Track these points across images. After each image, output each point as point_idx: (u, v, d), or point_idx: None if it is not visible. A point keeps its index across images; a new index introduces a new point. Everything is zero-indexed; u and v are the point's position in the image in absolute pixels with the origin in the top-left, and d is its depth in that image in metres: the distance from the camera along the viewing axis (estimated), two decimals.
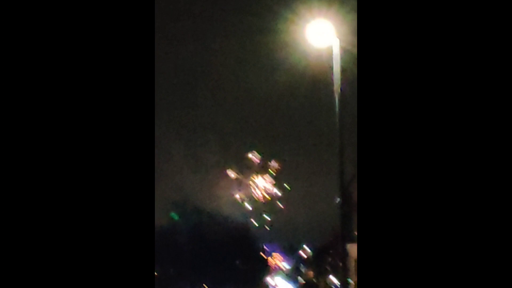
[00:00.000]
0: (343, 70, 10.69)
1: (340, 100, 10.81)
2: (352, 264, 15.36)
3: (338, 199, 11.07)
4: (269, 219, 36.58)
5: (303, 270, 43.97)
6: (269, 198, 38.46)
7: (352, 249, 11.58)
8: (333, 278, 34.88)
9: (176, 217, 32.70)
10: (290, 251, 44.71)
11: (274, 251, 42.47)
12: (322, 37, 10.58)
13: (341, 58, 10.65)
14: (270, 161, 38.82)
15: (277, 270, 43.78)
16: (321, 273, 38.88)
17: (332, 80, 10.84)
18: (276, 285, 42.45)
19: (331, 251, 35.50)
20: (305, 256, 44.25)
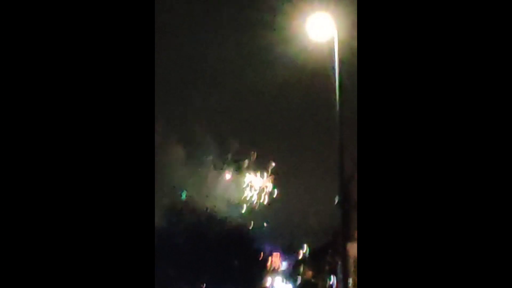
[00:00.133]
0: (344, 64, 10.56)
1: (340, 96, 10.71)
2: (352, 264, 15.35)
3: (337, 199, 11.02)
4: (266, 224, 36.53)
5: (302, 270, 44.00)
6: (267, 198, 38.42)
7: (352, 249, 11.50)
8: (332, 278, 34.85)
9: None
10: (289, 251, 44.74)
11: (273, 251, 42.50)
12: (322, 30, 10.48)
13: (341, 52, 10.53)
14: (268, 160, 38.78)
15: (276, 270, 43.83)
16: (320, 273, 38.88)
17: (333, 75, 10.74)
18: (275, 285, 42.51)
19: (330, 251, 35.48)
20: (304, 256, 44.27)
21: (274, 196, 37.95)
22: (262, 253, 36.74)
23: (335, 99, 10.64)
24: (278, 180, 38.43)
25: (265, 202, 37.85)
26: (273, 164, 38.65)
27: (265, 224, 37.48)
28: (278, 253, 44.07)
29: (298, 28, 10.99)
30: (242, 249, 32.89)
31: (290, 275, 44.62)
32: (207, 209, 33.07)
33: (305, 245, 43.79)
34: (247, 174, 37.66)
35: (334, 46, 10.52)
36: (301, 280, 43.17)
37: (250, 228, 35.58)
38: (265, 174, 38.23)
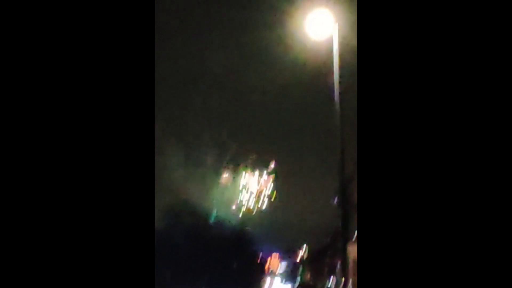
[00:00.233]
0: (344, 63, 10.53)
1: (341, 96, 10.69)
2: (351, 265, 15.33)
3: (337, 199, 11.02)
4: (247, 228, 36.62)
5: (301, 271, 44.11)
6: (267, 199, 38.47)
7: (352, 250, 11.51)
8: (331, 279, 34.89)
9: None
10: (287, 252, 44.86)
11: (271, 253, 42.62)
12: (323, 29, 10.44)
13: (343, 51, 10.50)
14: (268, 161, 38.82)
15: (275, 271, 43.96)
16: (319, 274, 38.94)
17: (332, 74, 10.72)
18: (274, 286, 42.60)
19: (329, 252, 35.52)
20: (303, 257, 44.37)
21: (274, 197, 38.00)
22: (261, 255, 36.85)
23: (336, 100, 10.63)
24: (278, 181, 38.48)
25: (265, 203, 37.90)
26: (273, 165, 38.70)
27: (263, 226, 37.48)
28: (277, 254, 44.19)
29: (298, 27, 10.97)
30: (240, 251, 32.99)
31: (289, 276, 44.73)
32: (206, 211, 33.13)
33: (304, 246, 43.91)
34: (247, 175, 37.70)
35: (335, 44, 10.51)
36: (300, 282, 43.25)
37: (249, 230, 35.63)
38: (265, 175, 38.27)
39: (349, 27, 10.33)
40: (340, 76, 10.62)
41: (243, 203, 37.51)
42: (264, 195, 38.23)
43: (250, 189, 37.93)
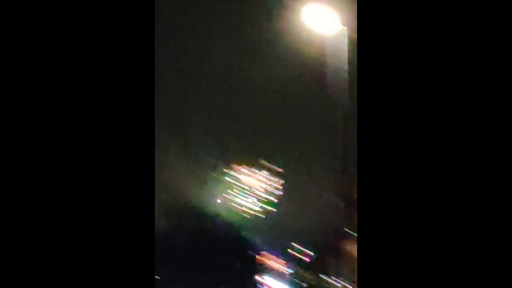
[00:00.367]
0: (348, 60, 10.52)
1: (344, 92, 10.70)
2: (351, 265, 15.46)
3: (337, 199, 11.11)
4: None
5: (301, 271, 44.22)
6: (268, 200, 38.57)
7: (352, 249, 11.55)
8: (332, 279, 34.93)
9: None
10: (288, 253, 44.98)
11: (272, 253, 42.73)
12: (323, 23, 10.37)
13: (343, 48, 10.48)
14: (269, 162, 38.93)
15: (276, 272, 44.06)
16: (319, 274, 39.04)
17: (329, 72, 10.73)
18: (273, 286, 42.69)
19: (330, 252, 35.62)
20: (304, 257, 44.49)
21: (274, 197, 38.05)
22: (260, 255, 36.93)
23: (336, 99, 10.68)
24: (277, 181, 38.58)
25: (266, 204, 37.95)
26: (273, 166, 38.78)
27: (263, 226, 37.57)
28: (277, 255, 44.36)
29: (299, 23, 10.91)
30: (241, 252, 33.08)
31: (290, 277, 44.86)
32: (207, 212, 33.27)
33: (304, 246, 44.05)
34: (246, 176, 37.77)
35: (338, 41, 10.48)
36: (300, 281, 43.37)
37: (249, 230, 35.72)
38: (265, 175, 38.35)
39: (352, 23, 10.28)
40: (344, 73, 10.62)
41: (245, 203, 37.58)
42: (266, 195, 38.29)
43: (252, 189, 37.99)
